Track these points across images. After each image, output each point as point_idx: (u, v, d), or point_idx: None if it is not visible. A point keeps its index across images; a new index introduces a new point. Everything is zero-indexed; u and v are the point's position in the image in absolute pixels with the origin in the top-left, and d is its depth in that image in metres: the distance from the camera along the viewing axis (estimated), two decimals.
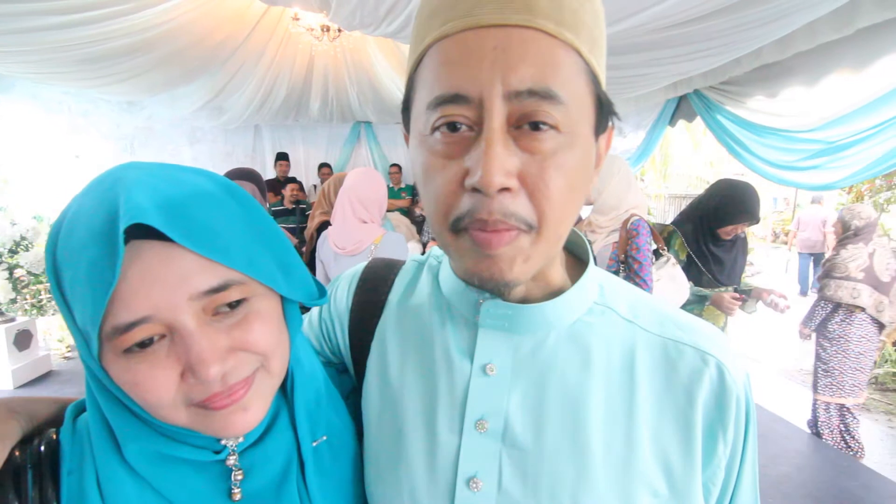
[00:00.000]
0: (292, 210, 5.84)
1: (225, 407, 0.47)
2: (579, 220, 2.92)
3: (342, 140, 8.27)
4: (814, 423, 3.47)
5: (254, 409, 0.50)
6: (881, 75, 2.96)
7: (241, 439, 0.53)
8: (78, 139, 5.81)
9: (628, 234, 2.68)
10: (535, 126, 0.44)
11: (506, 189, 0.43)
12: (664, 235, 2.86)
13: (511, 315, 0.55)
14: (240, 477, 0.53)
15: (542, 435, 0.52)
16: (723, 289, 2.73)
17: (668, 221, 3.07)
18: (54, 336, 5.23)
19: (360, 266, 0.73)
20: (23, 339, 2.87)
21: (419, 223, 6.50)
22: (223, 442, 0.52)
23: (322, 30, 4.91)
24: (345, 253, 2.19)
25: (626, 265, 2.50)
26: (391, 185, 7.48)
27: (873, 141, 3.03)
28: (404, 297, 0.66)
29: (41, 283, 3.03)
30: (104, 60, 4.03)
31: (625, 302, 0.58)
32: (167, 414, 0.47)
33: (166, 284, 0.44)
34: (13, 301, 2.90)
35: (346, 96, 6.92)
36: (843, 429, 3.35)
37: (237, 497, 0.52)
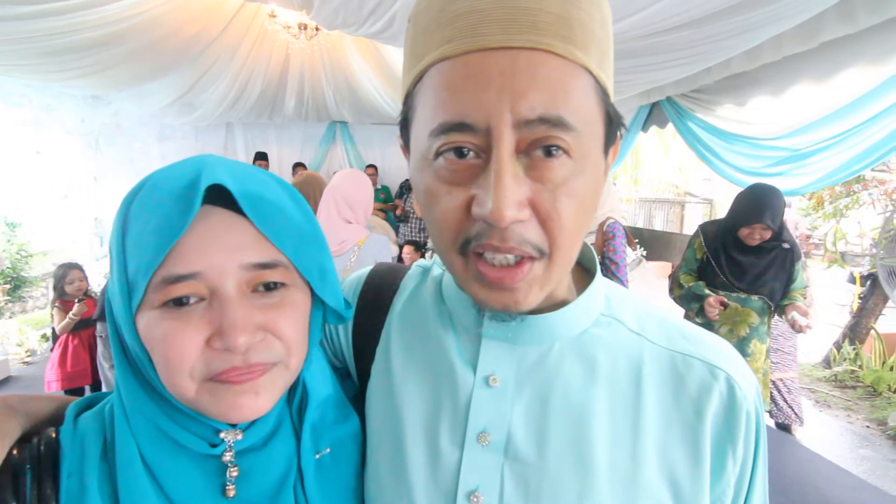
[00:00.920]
0: None
1: (239, 383, 0.48)
2: None
3: (317, 139, 8.16)
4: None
5: (264, 396, 0.50)
6: (842, 87, 3.11)
7: (239, 436, 0.53)
8: (40, 134, 5.58)
9: (605, 236, 2.74)
10: (546, 151, 0.42)
11: (518, 220, 0.42)
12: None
13: (516, 326, 0.54)
14: (235, 473, 0.52)
15: (545, 448, 0.51)
16: (737, 295, 2.67)
17: (639, 225, 3.10)
18: (13, 340, 5.01)
19: (365, 270, 0.72)
20: None
21: (396, 227, 6.49)
22: (222, 434, 0.52)
23: (299, 28, 4.84)
24: None
25: (603, 266, 2.56)
26: None
27: (835, 150, 3.18)
28: (408, 304, 0.65)
29: None
30: (70, 53, 3.88)
31: (632, 313, 0.57)
32: (180, 381, 0.47)
33: (223, 247, 0.47)
34: None
35: (323, 95, 6.84)
36: (782, 399, 3.56)
37: (231, 493, 0.52)
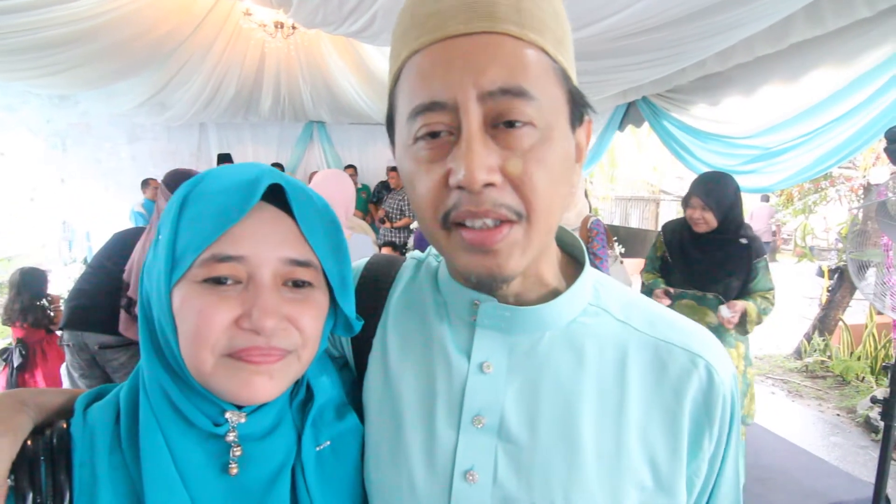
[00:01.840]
0: None
1: (257, 363, 0.52)
2: None
3: (294, 140, 8.07)
4: None
5: (276, 381, 0.54)
6: (811, 87, 3.22)
7: (242, 418, 0.55)
8: (3, 135, 5.37)
9: (589, 232, 2.78)
10: (511, 124, 0.46)
11: (490, 184, 0.46)
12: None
13: (509, 317, 0.56)
14: (238, 453, 0.55)
15: (536, 430, 0.54)
16: (694, 293, 2.55)
17: (615, 222, 3.13)
18: None
19: (362, 262, 0.73)
20: None
21: (376, 229, 6.46)
22: (227, 415, 0.55)
23: (276, 26, 4.77)
24: None
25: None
26: None
27: (804, 148, 3.29)
28: (404, 295, 0.67)
29: None
30: (36, 51, 3.74)
31: (618, 303, 0.60)
32: (202, 353, 0.51)
33: (269, 239, 0.53)
34: None
35: (299, 95, 6.76)
36: None
37: (234, 471, 0.54)
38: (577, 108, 0.52)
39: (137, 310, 0.59)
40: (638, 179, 12.14)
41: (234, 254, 0.52)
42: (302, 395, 0.62)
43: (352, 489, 0.62)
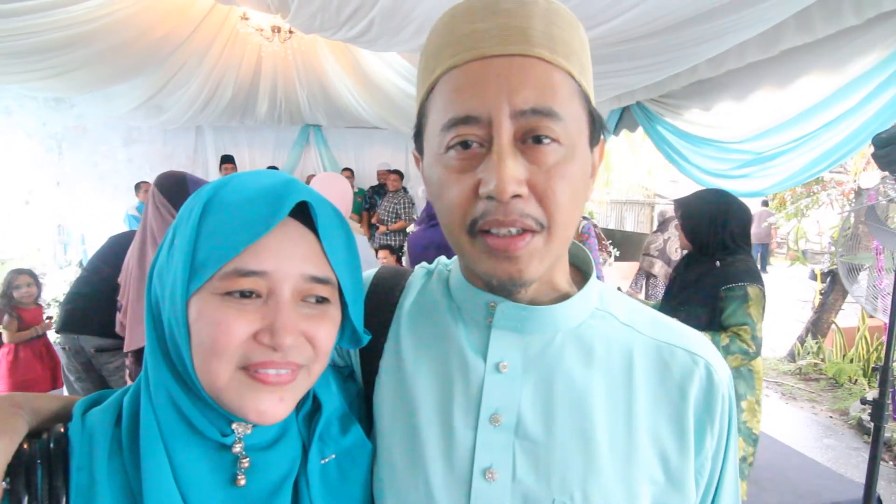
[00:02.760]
0: None
1: (271, 384, 0.52)
2: None
3: (290, 143, 8.06)
4: None
5: (286, 403, 0.54)
6: (802, 93, 3.26)
7: (248, 430, 0.56)
8: None
9: (580, 237, 2.82)
10: (538, 139, 0.50)
11: (517, 196, 0.49)
12: None
13: (524, 316, 0.59)
14: (246, 464, 0.55)
15: (551, 427, 0.56)
16: (673, 310, 2.26)
17: (610, 226, 3.11)
18: None
19: (371, 272, 0.75)
20: None
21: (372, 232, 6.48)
22: (233, 426, 0.55)
23: (273, 30, 4.79)
24: None
25: None
26: None
27: (796, 153, 3.32)
28: (417, 301, 0.69)
29: None
30: (33, 54, 3.74)
31: (622, 309, 0.63)
32: (217, 365, 0.51)
33: (292, 255, 0.53)
34: None
35: (296, 98, 6.78)
36: None
37: (242, 483, 0.54)
38: (596, 128, 0.56)
39: (143, 312, 0.58)
40: (633, 183, 12.21)
41: (257, 269, 0.51)
42: (308, 406, 0.63)
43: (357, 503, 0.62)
